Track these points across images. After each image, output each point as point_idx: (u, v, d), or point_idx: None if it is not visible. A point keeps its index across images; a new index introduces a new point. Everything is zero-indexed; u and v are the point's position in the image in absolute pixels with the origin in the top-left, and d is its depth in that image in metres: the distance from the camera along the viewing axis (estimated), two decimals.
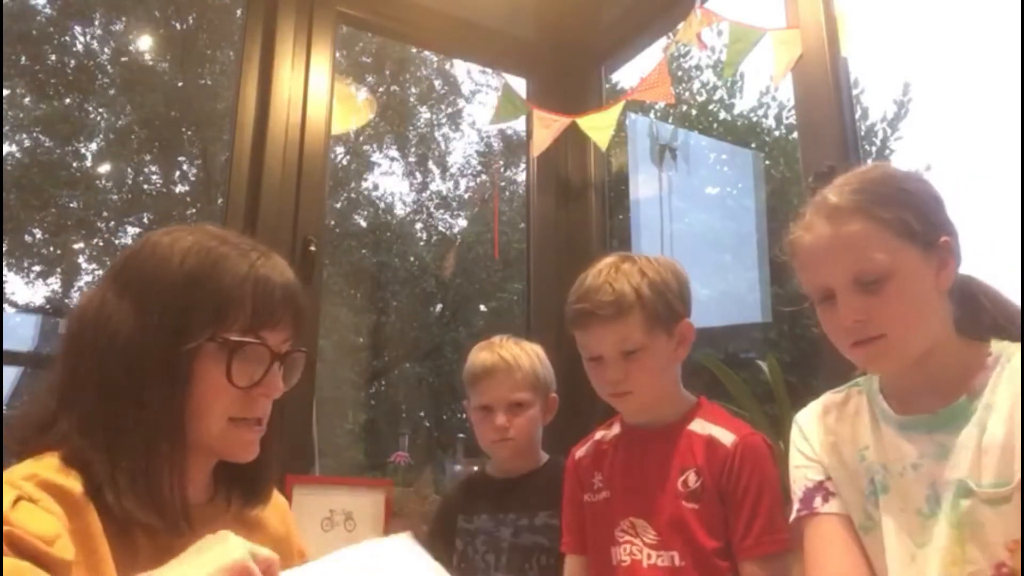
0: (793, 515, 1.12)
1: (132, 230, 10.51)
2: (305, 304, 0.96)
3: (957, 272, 1.04)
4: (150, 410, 0.84)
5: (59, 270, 10.59)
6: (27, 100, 10.09)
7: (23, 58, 9.93)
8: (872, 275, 0.99)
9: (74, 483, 0.79)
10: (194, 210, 10.57)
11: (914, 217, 1.01)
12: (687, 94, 9.16)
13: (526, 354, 1.62)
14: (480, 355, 1.62)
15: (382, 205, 12.39)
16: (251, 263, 0.91)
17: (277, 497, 1.07)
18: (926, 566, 0.97)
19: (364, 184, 12.25)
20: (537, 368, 1.62)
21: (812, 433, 1.14)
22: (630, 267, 1.35)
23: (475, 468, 1.72)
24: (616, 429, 1.46)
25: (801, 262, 1.08)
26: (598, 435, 1.49)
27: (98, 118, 10.64)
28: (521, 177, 10.95)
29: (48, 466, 0.80)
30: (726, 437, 1.30)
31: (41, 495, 0.75)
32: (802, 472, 1.13)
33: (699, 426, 1.34)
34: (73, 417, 0.84)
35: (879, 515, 1.04)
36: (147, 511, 0.81)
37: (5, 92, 9.48)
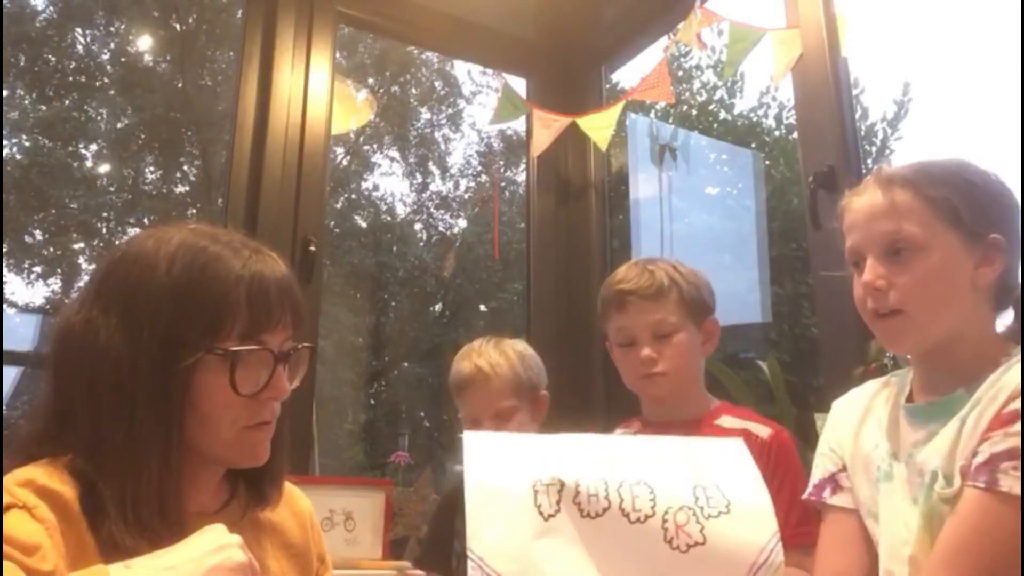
0: (804, 494, 1.17)
1: (132, 230, 10.50)
2: (302, 297, 0.92)
3: (1008, 275, 1.03)
4: (141, 430, 0.80)
5: (59, 271, 10.59)
6: (27, 101, 10.08)
7: (23, 59, 9.93)
8: (901, 244, 1.01)
9: (72, 492, 0.77)
10: (194, 210, 10.56)
11: (964, 204, 1.01)
12: (687, 94, 9.15)
13: (506, 358, 1.57)
14: (460, 365, 1.59)
15: (382, 206, 12.39)
16: (243, 262, 0.85)
17: (300, 501, 1.03)
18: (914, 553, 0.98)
19: (364, 184, 12.24)
20: (518, 371, 1.57)
21: (840, 421, 1.17)
22: (663, 262, 1.44)
23: None
24: (636, 426, 1.48)
25: (847, 224, 1.09)
26: (618, 432, 1.49)
27: (98, 119, 10.64)
28: (521, 177, 10.95)
29: (48, 473, 0.78)
30: (762, 431, 1.34)
31: (36, 501, 0.74)
32: (822, 460, 1.17)
33: (729, 422, 1.38)
34: (68, 438, 0.82)
35: (886, 479, 1.05)
36: (135, 537, 0.77)
37: (5, 93, 9.48)
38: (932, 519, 0.95)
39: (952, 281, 1.01)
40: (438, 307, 12.02)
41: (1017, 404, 0.90)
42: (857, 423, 1.14)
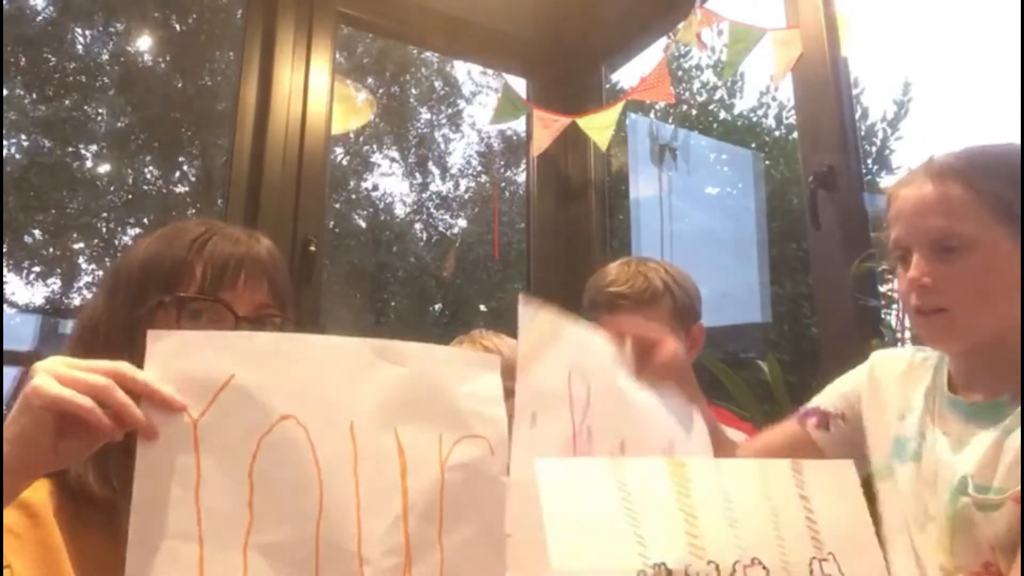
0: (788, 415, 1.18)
1: (132, 231, 10.50)
2: (281, 274, 0.95)
3: None
4: None
5: (59, 271, 10.58)
6: (27, 101, 10.08)
7: (23, 59, 9.93)
8: (951, 241, 0.97)
9: (37, 492, 0.79)
10: (194, 210, 10.56)
11: (1018, 198, 0.96)
12: (687, 94, 9.15)
13: (506, 344, 1.60)
14: (461, 348, 1.62)
15: (382, 205, 12.38)
16: (207, 228, 0.92)
17: None
18: (920, 547, 0.97)
19: (364, 184, 12.24)
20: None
21: (876, 373, 1.14)
22: (655, 264, 1.41)
23: None
24: None
25: (893, 215, 1.05)
26: None
27: (98, 119, 10.64)
28: (521, 177, 10.94)
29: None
30: (735, 437, 1.31)
31: (8, 512, 0.75)
32: (830, 396, 1.16)
33: None
34: None
35: (898, 472, 1.03)
36: (101, 483, 0.80)
37: (4, 93, 9.48)
38: (956, 522, 0.94)
39: (1001, 279, 0.97)
40: (438, 307, 12.02)
41: None
42: (887, 385, 1.11)
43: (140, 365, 0.76)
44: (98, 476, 0.81)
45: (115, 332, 0.87)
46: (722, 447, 1.07)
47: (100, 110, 10.64)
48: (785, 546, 0.76)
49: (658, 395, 0.96)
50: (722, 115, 9.14)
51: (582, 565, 0.69)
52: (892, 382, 1.12)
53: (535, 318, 0.86)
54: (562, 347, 0.87)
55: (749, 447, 1.20)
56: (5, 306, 9.58)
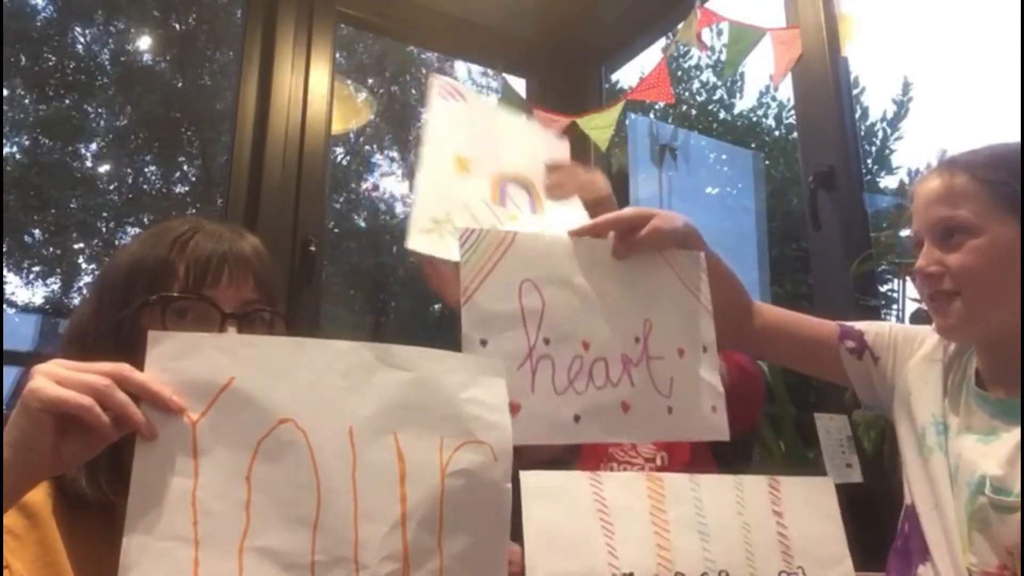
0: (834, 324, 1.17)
1: (132, 230, 10.49)
2: (267, 269, 0.94)
3: None
4: None
5: (59, 270, 10.57)
6: (27, 101, 10.07)
7: (23, 58, 9.92)
8: (953, 227, 0.99)
9: (36, 493, 0.78)
10: (194, 210, 10.55)
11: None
12: (687, 94, 9.15)
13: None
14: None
15: (382, 206, 12.37)
16: (190, 227, 0.92)
17: None
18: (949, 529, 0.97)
19: (364, 185, 12.23)
20: None
21: (935, 349, 1.13)
22: None
23: None
24: None
25: (912, 211, 1.08)
26: None
27: (98, 119, 10.63)
28: None
29: None
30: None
31: (7, 512, 0.75)
32: (881, 333, 1.15)
33: None
34: None
35: (934, 454, 1.03)
36: (94, 486, 0.81)
37: (5, 92, 9.47)
38: (974, 521, 0.94)
39: (1010, 267, 0.97)
40: (438, 307, 12.01)
41: None
42: (939, 359, 1.11)
43: (131, 366, 0.76)
44: (90, 479, 0.81)
45: (103, 335, 0.87)
46: (732, 293, 1.08)
47: (100, 110, 10.63)
48: (755, 561, 0.78)
49: (655, 264, 0.97)
50: (722, 115, 9.14)
51: (556, 571, 0.72)
52: (942, 361, 1.12)
53: (477, 245, 0.87)
54: (509, 261, 0.87)
55: (783, 316, 1.20)
56: (5, 306, 9.57)
